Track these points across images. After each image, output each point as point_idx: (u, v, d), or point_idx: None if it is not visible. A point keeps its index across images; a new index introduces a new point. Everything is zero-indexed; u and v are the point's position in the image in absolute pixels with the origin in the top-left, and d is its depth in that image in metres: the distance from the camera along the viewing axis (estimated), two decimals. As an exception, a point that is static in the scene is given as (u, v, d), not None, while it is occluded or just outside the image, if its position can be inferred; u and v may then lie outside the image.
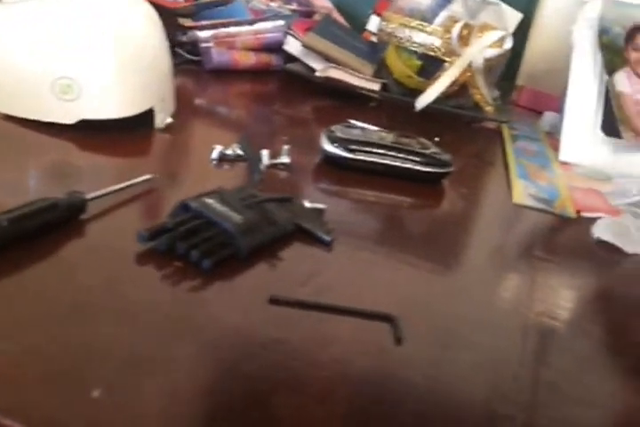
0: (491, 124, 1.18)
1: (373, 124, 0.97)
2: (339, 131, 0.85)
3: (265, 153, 0.80)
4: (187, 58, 1.21)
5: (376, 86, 1.18)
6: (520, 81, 1.38)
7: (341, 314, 0.52)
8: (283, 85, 1.21)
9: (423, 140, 0.89)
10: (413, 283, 0.62)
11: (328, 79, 1.15)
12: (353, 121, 0.97)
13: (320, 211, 0.69)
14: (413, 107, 1.10)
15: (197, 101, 1.09)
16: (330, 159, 0.83)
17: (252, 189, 0.68)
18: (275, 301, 0.52)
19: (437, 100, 1.11)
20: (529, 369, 0.51)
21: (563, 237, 0.84)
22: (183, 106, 0.96)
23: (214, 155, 0.79)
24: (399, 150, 0.84)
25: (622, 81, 1.08)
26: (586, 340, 0.59)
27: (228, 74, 1.19)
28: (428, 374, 0.48)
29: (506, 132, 1.12)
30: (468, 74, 1.13)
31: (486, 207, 0.89)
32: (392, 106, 1.17)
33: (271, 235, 0.60)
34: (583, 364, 0.55)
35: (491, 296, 0.63)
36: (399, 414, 0.44)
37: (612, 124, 1.05)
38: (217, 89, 1.17)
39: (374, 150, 0.83)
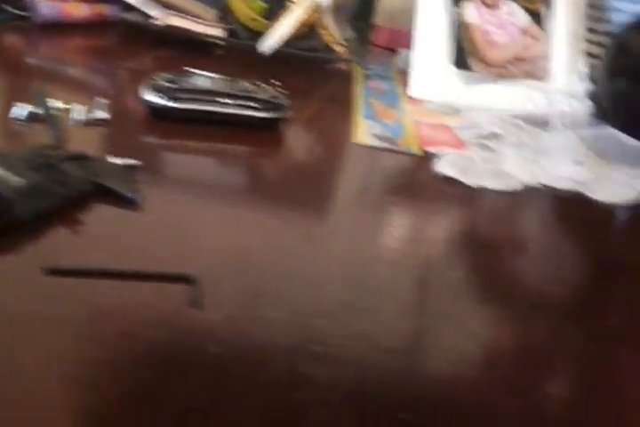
0: (345, 66, 1.13)
1: (219, 73, 0.90)
2: (165, 80, 0.78)
3: (77, 108, 0.72)
4: (14, 13, 1.10)
5: (221, 32, 1.11)
6: (378, 21, 1.32)
7: (134, 279, 0.46)
8: (121, 37, 1.12)
9: (264, 85, 0.83)
10: (231, 238, 0.56)
11: (169, 27, 1.07)
12: (190, 69, 0.89)
13: (131, 168, 0.62)
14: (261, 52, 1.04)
15: (24, 59, 0.99)
16: (156, 111, 0.76)
17: (51, 148, 0.61)
18: (53, 271, 0.45)
19: (288, 43, 1.05)
20: (345, 321, 0.47)
21: (410, 177, 0.80)
22: (7, 65, 0.87)
23: (19, 114, 0.70)
24: (232, 97, 0.78)
25: (470, 12, 1.05)
26: (415, 285, 0.56)
27: (60, 28, 1.09)
28: (226, 339, 0.43)
29: (357, 73, 1.08)
30: (316, 14, 1.07)
31: (331, 151, 0.84)
32: (241, 52, 1.10)
33: (62, 197, 0.54)
34: (403, 310, 0.52)
35: (318, 247, 0.58)
36: (188, 387, 0.39)
37: (461, 56, 1.02)
38: (48, 45, 1.07)
39: (204, 98, 0.77)
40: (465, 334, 0.49)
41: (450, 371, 0.45)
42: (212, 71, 0.89)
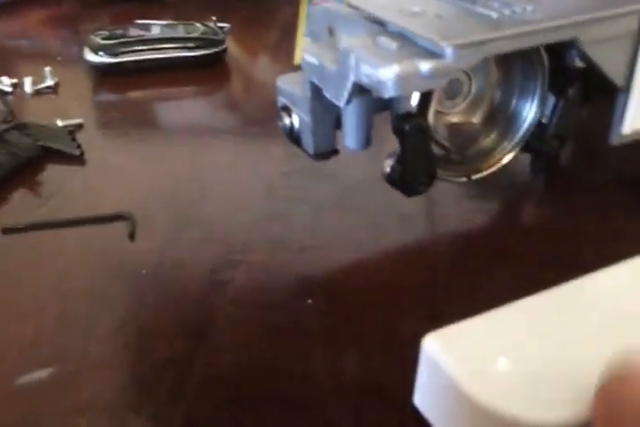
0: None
1: (175, 19, 0.92)
2: (102, 37, 0.82)
3: (27, 81, 0.77)
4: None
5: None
6: None
7: (73, 226, 0.52)
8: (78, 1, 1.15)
9: (206, 23, 0.86)
10: (166, 177, 0.61)
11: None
12: (138, 21, 0.93)
13: (75, 126, 0.68)
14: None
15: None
16: (99, 69, 0.81)
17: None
18: (5, 231, 0.52)
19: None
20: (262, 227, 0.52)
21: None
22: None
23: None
24: (169, 40, 0.82)
25: None
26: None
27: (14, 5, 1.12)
28: (154, 261, 0.49)
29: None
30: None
31: (273, 77, 0.87)
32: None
33: (10, 165, 0.60)
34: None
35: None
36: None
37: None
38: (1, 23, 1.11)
39: (141, 48, 0.81)
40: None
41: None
42: (168, 18, 0.92)
